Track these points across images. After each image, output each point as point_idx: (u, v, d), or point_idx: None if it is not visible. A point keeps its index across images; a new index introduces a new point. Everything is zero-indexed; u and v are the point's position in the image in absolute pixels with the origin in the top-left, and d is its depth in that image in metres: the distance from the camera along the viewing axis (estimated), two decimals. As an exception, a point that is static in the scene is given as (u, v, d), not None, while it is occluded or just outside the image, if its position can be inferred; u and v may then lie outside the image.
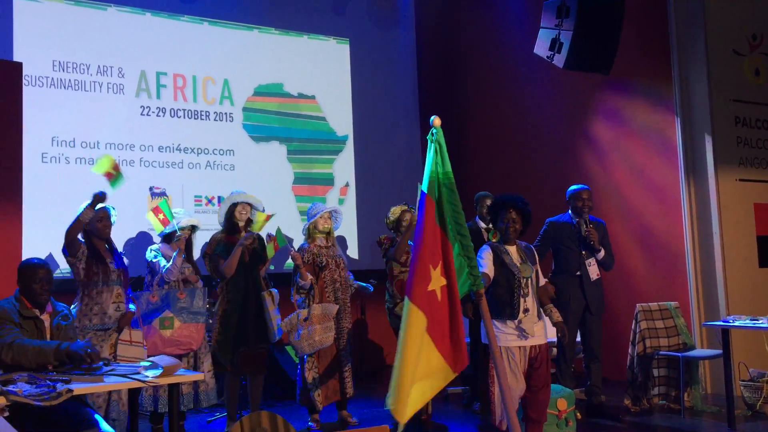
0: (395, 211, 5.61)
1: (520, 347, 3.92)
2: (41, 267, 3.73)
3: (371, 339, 7.86)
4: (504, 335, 3.91)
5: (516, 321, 3.93)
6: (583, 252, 5.48)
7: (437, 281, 2.83)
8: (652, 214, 6.82)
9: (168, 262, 4.85)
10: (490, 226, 4.40)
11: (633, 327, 5.89)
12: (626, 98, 7.07)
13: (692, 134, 6.53)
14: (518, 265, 4.01)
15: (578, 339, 5.66)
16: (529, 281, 4.01)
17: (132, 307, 4.69)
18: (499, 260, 3.99)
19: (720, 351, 5.35)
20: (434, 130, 3.00)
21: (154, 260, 4.95)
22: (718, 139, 6.42)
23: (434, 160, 3.02)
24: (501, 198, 4.13)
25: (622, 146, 7.12)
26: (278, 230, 5.09)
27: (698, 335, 6.31)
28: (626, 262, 6.77)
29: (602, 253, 5.51)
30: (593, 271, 5.49)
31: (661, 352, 5.77)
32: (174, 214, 4.97)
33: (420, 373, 2.72)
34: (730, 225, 6.35)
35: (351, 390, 5.29)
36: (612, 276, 5.89)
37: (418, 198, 3.31)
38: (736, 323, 5.15)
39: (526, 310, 3.94)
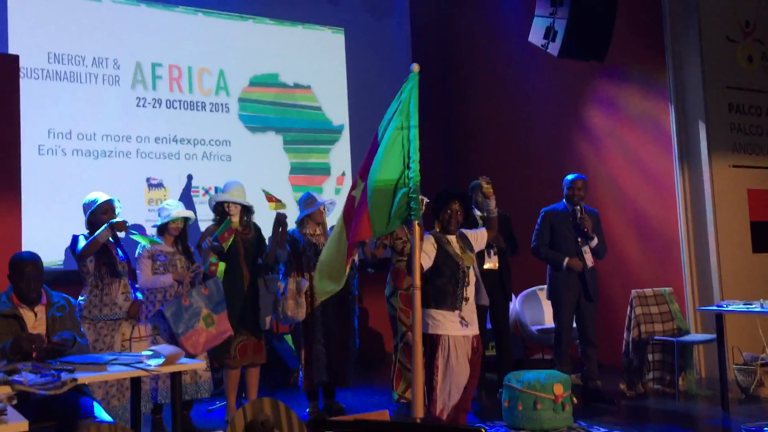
0: None
1: (464, 336, 3.91)
2: (29, 263, 3.64)
3: (372, 327, 7.90)
4: (449, 324, 3.90)
5: (458, 311, 3.92)
6: (579, 239, 5.54)
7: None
8: (647, 200, 6.86)
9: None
10: (485, 214, 4.36)
11: (628, 313, 5.95)
12: (621, 86, 7.10)
13: (686, 121, 6.57)
14: (460, 254, 4.01)
15: (574, 325, 5.71)
16: (470, 270, 4.01)
17: (139, 296, 4.72)
18: (443, 250, 3.96)
19: (714, 336, 5.42)
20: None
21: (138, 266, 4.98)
22: (712, 126, 6.46)
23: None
24: (446, 191, 4.13)
25: (617, 134, 7.16)
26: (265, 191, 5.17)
27: (692, 320, 6.37)
28: (621, 249, 6.82)
29: (595, 241, 5.56)
30: (588, 259, 5.55)
31: (655, 337, 5.83)
32: (166, 206, 5.04)
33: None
34: (723, 211, 6.40)
35: (327, 378, 5.30)
36: (607, 262, 5.94)
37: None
38: (730, 308, 5.22)
39: (466, 299, 3.94)
